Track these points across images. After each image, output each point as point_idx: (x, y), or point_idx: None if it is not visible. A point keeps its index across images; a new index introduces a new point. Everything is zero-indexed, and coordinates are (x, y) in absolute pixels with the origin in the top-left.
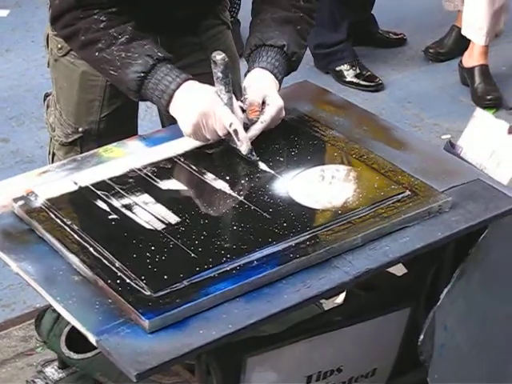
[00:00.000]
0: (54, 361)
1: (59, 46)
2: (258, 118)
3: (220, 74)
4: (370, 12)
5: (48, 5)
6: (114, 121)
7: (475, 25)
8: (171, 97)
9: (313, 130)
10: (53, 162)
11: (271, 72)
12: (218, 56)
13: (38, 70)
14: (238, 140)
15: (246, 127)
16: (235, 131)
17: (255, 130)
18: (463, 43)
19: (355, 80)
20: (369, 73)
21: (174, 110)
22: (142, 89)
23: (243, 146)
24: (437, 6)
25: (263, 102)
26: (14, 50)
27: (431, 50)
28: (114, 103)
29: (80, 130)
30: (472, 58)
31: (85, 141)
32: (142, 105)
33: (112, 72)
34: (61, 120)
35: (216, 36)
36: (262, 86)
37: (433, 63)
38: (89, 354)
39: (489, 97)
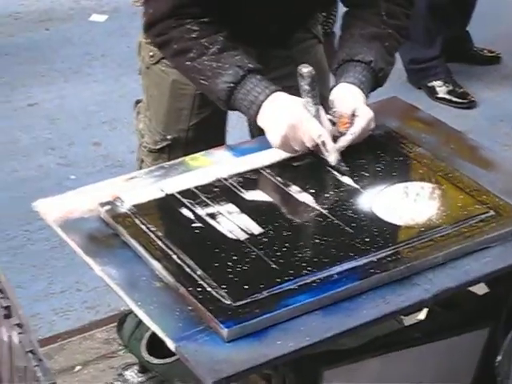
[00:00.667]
0: (135, 365)
1: (151, 53)
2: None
3: (307, 87)
4: (465, 29)
5: (142, 12)
6: (203, 130)
7: None
8: (259, 108)
9: (399, 146)
10: (141, 168)
11: (358, 87)
12: (305, 69)
13: (131, 76)
14: (327, 151)
15: (336, 139)
16: (323, 142)
17: (345, 141)
18: None
19: (447, 96)
20: (462, 90)
21: (262, 121)
22: (232, 99)
23: (331, 157)
24: None
25: (353, 114)
26: (110, 55)
27: None
28: (202, 112)
29: (168, 137)
30: None
31: (173, 148)
32: (234, 114)
33: (202, 81)
34: (150, 127)
35: (307, 50)
36: (350, 98)
37: None
38: (168, 360)
39: None
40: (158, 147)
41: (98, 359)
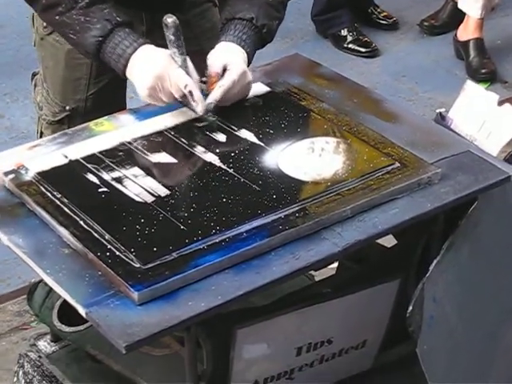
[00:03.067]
0: (47, 334)
1: (44, 24)
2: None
3: (172, 37)
4: None
5: None
6: (101, 98)
7: None
8: (127, 61)
9: (303, 102)
10: None
11: (238, 45)
12: (169, 19)
13: (32, 47)
14: (194, 101)
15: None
16: (190, 92)
17: (214, 94)
18: (458, 16)
19: (352, 46)
20: (365, 38)
21: (130, 73)
22: (101, 53)
23: (199, 107)
24: None
25: (224, 70)
26: (9, 25)
27: (426, 23)
28: (100, 81)
29: (67, 108)
30: (467, 32)
31: (72, 119)
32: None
33: (71, 36)
34: (48, 99)
35: (202, 14)
36: (221, 55)
37: (427, 36)
38: (80, 327)
39: (483, 70)
40: (57, 119)
41: (11, 332)
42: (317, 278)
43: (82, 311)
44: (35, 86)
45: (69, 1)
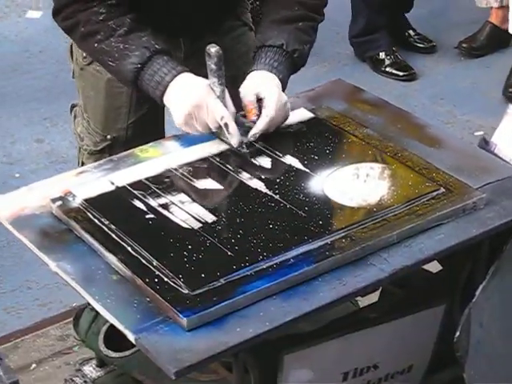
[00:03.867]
0: (92, 359)
1: (84, 54)
2: (258, 117)
3: (214, 67)
4: (405, 13)
5: None
6: (142, 126)
7: None
8: (166, 88)
9: (347, 128)
10: None
11: (269, 72)
12: (212, 48)
13: (71, 71)
14: (229, 133)
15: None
16: (226, 125)
17: (260, 125)
18: (496, 39)
19: (389, 69)
20: (403, 62)
21: (167, 100)
22: (139, 80)
23: (233, 139)
24: (470, 2)
25: (259, 99)
26: (48, 51)
27: (464, 46)
28: (140, 109)
29: (108, 137)
30: None
31: (113, 148)
32: None
33: (110, 63)
34: (89, 129)
35: (238, 38)
36: (254, 83)
37: (465, 59)
38: (127, 353)
39: (511, 89)
40: (98, 148)
41: (54, 356)
42: (360, 303)
43: (131, 337)
44: (75, 117)
45: (107, 29)
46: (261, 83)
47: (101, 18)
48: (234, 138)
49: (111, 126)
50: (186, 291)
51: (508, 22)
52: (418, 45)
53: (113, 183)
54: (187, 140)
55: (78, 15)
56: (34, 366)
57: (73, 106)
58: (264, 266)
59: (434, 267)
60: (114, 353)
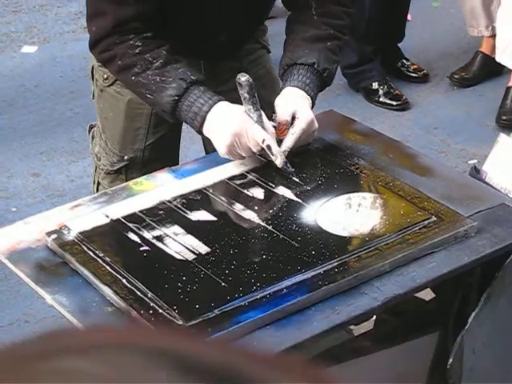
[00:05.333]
0: None
1: (105, 76)
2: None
3: (246, 95)
4: (396, 44)
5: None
6: (159, 148)
7: (507, 50)
8: (204, 119)
9: (339, 158)
10: (97, 191)
11: (302, 89)
12: (242, 78)
13: (67, 105)
14: (272, 154)
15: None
16: (268, 146)
17: (287, 142)
18: (488, 69)
19: (382, 99)
20: (396, 91)
21: (207, 131)
22: (177, 111)
23: (278, 160)
24: (461, 31)
25: (293, 118)
26: (43, 85)
27: (456, 76)
28: (158, 131)
29: (125, 158)
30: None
31: (130, 169)
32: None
33: (148, 95)
34: (106, 149)
35: (256, 60)
36: (290, 102)
37: (458, 89)
38: None
39: (504, 117)
40: (115, 168)
41: None
42: (354, 331)
43: None
44: (93, 137)
45: (144, 62)
46: (297, 103)
47: (137, 51)
48: (277, 158)
49: (129, 147)
50: (180, 322)
51: None
52: (411, 74)
53: (107, 216)
54: (180, 172)
55: (115, 48)
56: None
57: (91, 127)
58: (258, 297)
59: (428, 295)
60: None
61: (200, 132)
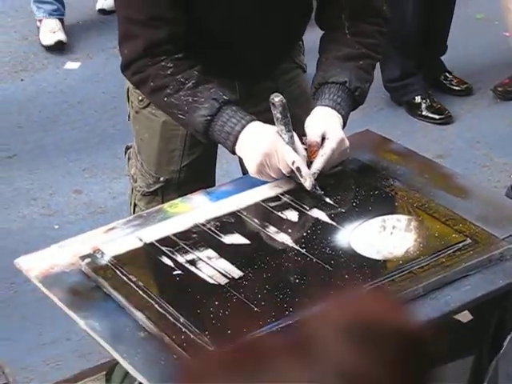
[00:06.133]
0: None
1: (140, 98)
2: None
3: (279, 115)
4: (439, 57)
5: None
6: (195, 169)
7: None
8: (236, 138)
9: (374, 179)
10: (134, 212)
11: (333, 108)
12: (276, 98)
13: (109, 122)
14: (302, 177)
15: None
16: (298, 169)
17: (317, 163)
18: None
19: (425, 113)
20: (439, 105)
21: (239, 150)
22: (209, 131)
23: (307, 183)
24: (504, 43)
25: (323, 139)
26: (86, 101)
27: (500, 89)
28: (194, 152)
29: (161, 179)
30: None
31: (166, 190)
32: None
33: (180, 116)
34: (142, 171)
35: (292, 80)
36: (320, 123)
37: (501, 102)
38: None
39: None
40: (151, 190)
41: None
42: None
43: None
44: (129, 159)
45: (176, 83)
46: (327, 123)
47: (169, 73)
48: (307, 181)
49: (164, 169)
50: (211, 348)
51: None
52: (454, 87)
53: (141, 240)
54: (215, 194)
55: (147, 70)
56: None
57: (127, 148)
58: (290, 322)
59: (465, 317)
60: None
61: (233, 152)
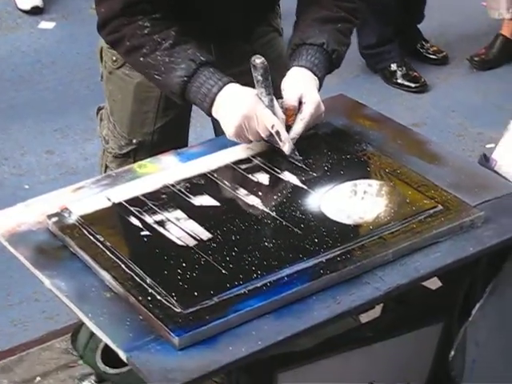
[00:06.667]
0: (91, 374)
1: (114, 58)
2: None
3: (260, 78)
4: (416, 25)
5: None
6: (167, 132)
7: None
8: (213, 100)
9: (346, 144)
10: None
11: (310, 70)
12: (258, 60)
13: (83, 82)
14: (281, 141)
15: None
16: (277, 132)
17: (296, 129)
18: (508, 51)
19: (401, 80)
20: (414, 73)
21: (216, 112)
22: (186, 92)
23: (286, 147)
24: (482, 14)
25: (300, 102)
26: (60, 62)
27: (476, 58)
28: (167, 115)
29: (134, 141)
30: None
31: (138, 152)
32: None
33: (156, 76)
34: (114, 132)
35: (268, 43)
36: (297, 85)
37: (477, 71)
38: (124, 369)
39: None
40: (123, 152)
41: (58, 369)
42: (362, 318)
43: (122, 355)
44: (101, 120)
45: (153, 43)
46: (304, 86)
47: (145, 32)
48: (285, 145)
49: (137, 131)
50: (178, 310)
51: None
52: (430, 56)
53: (109, 199)
54: (185, 155)
55: (123, 29)
56: (38, 379)
57: (99, 109)
58: (258, 285)
59: (434, 284)
60: (111, 369)
61: (209, 114)
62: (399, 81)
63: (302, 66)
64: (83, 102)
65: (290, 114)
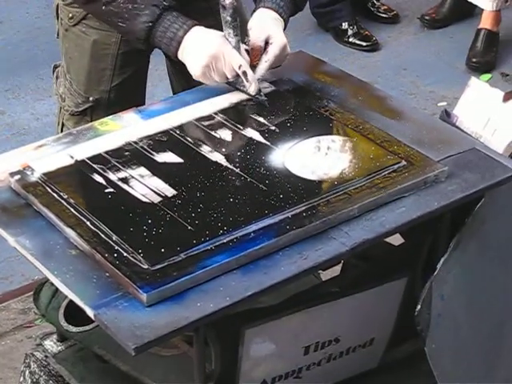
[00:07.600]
0: (53, 334)
1: (70, 15)
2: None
3: (229, 18)
4: None
5: None
6: (125, 90)
7: None
8: (180, 43)
9: (308, 100)
10: (61, 132)
11: (276, 11)
12: (227, 0)
13: (33, 42)
14: (247, 81)
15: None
16: (244, 73)
17: (261, 69)
18: (459, 10)
19: (352, 39)
20: (365, 32)
21: (182, 55)
22: (151, 38)
23: (252, 87)
24: None
25: (266, 43)
26: (8, 21)
27: (426, 17)
28: (124, 72)
29: (90, 99)
30: (482, 22)
31: (95, 110)
32: (158, 71)
33: (120, 24)
34: (71, 90)
35: None
36: (264, 26)
37: (428, 30)
38: (87, 327)
39: (474, 59)
40: (80, 109)
41: (15, 330)
42: (323, 276)
43: (90, 313)
44: (57, 77)
45: None
46: (270, 27)
47: None
48: (252, 85)
49: (94, 88)
50: (145, 266)
51: None
52: (381, 15)
53: (72, 157)
54: (147, 113)
55: None
56: None
57: (55, 67)
58: (224, 241)
59: (397, 240)
60: (75, 328)
61: (176, 57)
62: (350, 39)
63: (268, 8)
64: (33, 62)
65: (256, 54)
